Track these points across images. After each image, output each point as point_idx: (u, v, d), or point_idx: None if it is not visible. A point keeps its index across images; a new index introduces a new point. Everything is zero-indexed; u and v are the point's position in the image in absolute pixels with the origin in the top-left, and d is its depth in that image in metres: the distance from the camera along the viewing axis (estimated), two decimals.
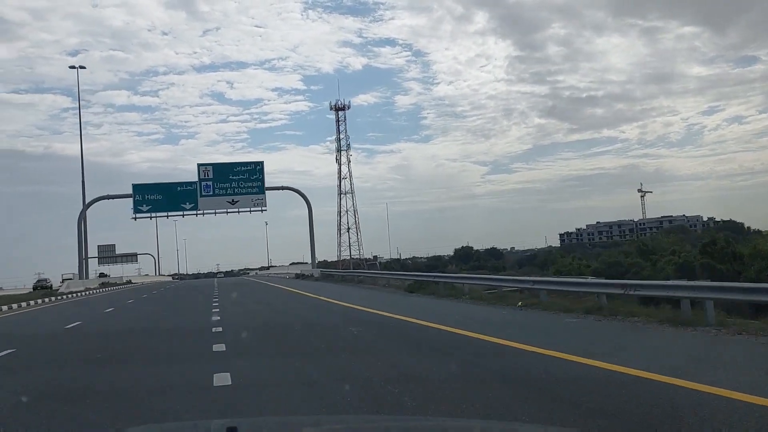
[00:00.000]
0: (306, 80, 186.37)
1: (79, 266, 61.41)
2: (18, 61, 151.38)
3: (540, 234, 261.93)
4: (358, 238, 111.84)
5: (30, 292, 55.41)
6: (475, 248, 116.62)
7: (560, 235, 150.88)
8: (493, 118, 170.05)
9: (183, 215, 61.98)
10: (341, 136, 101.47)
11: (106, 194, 63.11)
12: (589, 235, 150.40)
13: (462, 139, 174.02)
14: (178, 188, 61.14)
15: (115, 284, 71.61)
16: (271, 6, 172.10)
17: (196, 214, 61.75)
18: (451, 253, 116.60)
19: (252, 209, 61.79)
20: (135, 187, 60.82)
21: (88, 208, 62.02)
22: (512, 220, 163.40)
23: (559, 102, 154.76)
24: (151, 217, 61.76)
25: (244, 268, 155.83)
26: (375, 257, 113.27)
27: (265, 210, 62.34)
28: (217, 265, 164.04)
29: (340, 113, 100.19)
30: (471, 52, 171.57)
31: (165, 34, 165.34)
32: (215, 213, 61.89)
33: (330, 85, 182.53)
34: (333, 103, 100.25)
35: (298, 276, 60.34)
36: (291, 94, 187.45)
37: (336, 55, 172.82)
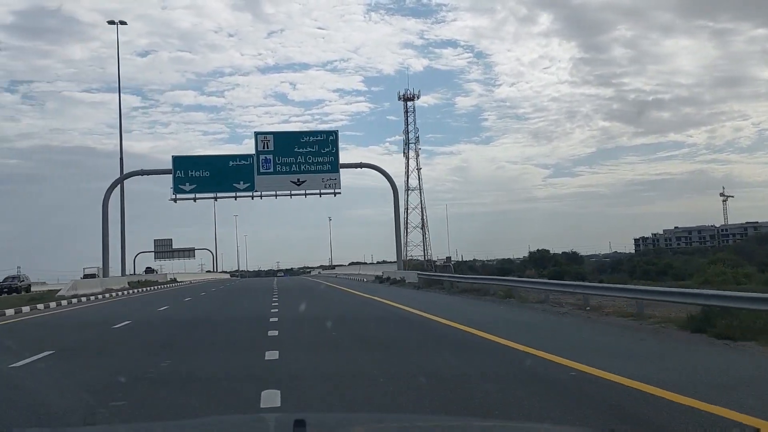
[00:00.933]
0: (367, 81, 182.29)
1: (103, 259, 48.43)
2: (90, 61, 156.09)
3: (603, 239, 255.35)
4: (425, 238, 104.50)
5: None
6: (551, 251, 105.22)
7: (635, 240, 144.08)
8: (555, 120, 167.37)
9: (236, 197, 48.56)
10: (409, 128, 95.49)
11: (140, 169, 50.27)
12: (666, 240, 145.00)
13: (523, 141, 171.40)
14: (230, 162, 47.69)
15: (155, 283, 57.94)
16: (334, 8, 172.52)
17: (252, 196, 48.25)
18: (520, 257, 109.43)
19: (322, 191, 47.87)
20: (175, 160, 47.63)
21: (115, 187, 49.20)
22: (574, 224, 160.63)
23: (625, 105, 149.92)
24: (195, 199, 48.36)
25: (304, 267, 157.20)
26: (449, 258, 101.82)
27: (339, 193, 48.47)
28: (278, 262, 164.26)
29: (409, 104, 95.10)
30: (534, 53, 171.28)
31: (231, 35, 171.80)
32: (276, 195, 48.25)
33: (390, 87, 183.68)
34: (402, 93, 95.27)
35: (380, 280, 46.18)
36: (352, 95, 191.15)
37: (397, 57, 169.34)
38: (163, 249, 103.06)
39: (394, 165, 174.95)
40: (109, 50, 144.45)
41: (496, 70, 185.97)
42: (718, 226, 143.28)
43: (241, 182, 47.35)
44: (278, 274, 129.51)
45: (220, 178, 47.10)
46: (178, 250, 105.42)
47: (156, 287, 54.16)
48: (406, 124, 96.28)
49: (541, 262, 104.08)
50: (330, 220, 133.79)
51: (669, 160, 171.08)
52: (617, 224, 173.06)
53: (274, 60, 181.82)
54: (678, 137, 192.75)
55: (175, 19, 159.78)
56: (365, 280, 51.17)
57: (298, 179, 47.70)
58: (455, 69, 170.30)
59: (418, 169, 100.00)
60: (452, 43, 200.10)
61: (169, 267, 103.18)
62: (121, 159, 52.91)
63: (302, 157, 47.65)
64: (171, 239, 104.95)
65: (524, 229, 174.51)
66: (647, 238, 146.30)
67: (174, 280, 68.64)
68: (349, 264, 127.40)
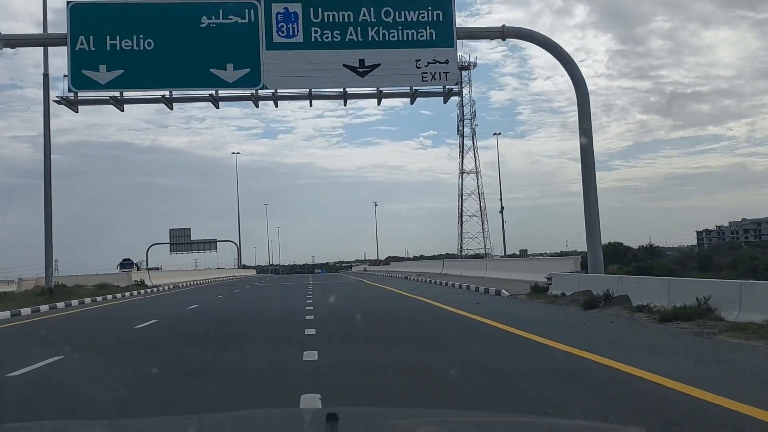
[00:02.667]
0: None
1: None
2: None
3: (641, 233, 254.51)
4: (484, 228, 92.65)
5: None
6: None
7: (698, 233, 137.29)
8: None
9: (216, 100, 21.07)
10: (464, 101, 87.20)
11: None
12: (733, 233, 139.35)
13: (558, 135, 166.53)
14: (203, 20, 20.21)
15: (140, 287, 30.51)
16: None
17: (255, 97, 20.76)
18: (557, 251, 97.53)
19: (420, 87, 20.28)
20: (74, 9, 20.16)
21: None
22: (611, 218, 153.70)
23: (662, 98, 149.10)
24: (120, 99, 20.94)
25: (340, 261, 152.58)
26: (524, 252, 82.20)
27: (455, 92, 20.80)
28: (312, 257, 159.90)
29: (464, 73, 79.59)
30: (570, 46, 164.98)
31: None
32: (309, 97, 20.86)
33: None
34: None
35: (538, 291, 18.81)
36: None
37: None
38: (180, 241, 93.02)
39: (427, 161, 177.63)
40: None
41: (531, 63, 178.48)
42: None
43: (230, 65, 19.92)
44: (315, 271, 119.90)
45: (180, 55, 19.82)
46: (198, 242, 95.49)
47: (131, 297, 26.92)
48: (461, 96, 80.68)
49: (615, 255, 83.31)
50: (376, 205, 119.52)
51: (708, 153, 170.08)
52: (656, 218, 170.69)
53: None
54: (717, 130, 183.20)
55: None
56: (503, 293, 22.51)
57: (362, 60, 20.09)
58: (490, 62, 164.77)
59: (475, 149, 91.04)
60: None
61: (184, 262, 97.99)
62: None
63: (370, 13, 20.18)
64: (189, 229, 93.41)
65: (560, 224, 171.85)
66: (711, 230, 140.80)
67: (140, 284, 41.12)
68: (387, 258, 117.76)
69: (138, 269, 61.30)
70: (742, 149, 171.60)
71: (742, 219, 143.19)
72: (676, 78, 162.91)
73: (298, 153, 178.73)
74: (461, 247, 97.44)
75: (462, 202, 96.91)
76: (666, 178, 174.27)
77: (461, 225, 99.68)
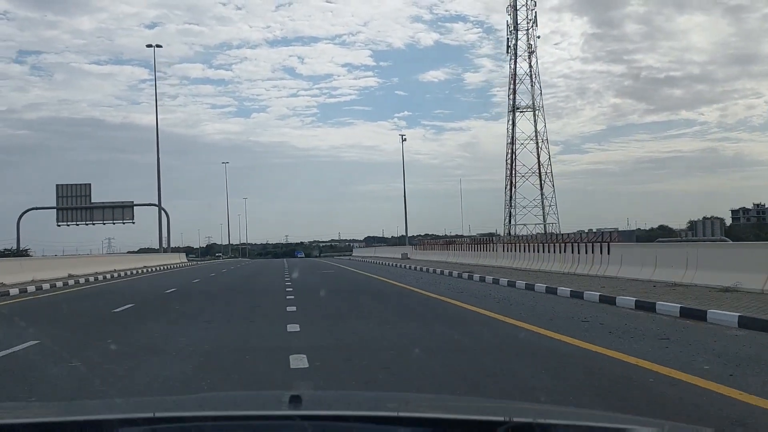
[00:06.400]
0: (376, 56, 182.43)
1: None
2: (99, 33, 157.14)
3: (619, 216, 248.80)
4: (543, 197, 71.97)
5: None
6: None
7: (733, 211, 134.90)
8: (566, 96, 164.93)
9: None
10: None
11: None
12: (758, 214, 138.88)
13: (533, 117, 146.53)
14: None
15: None
16: None
17: None
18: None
19: None
20: None
21: None
22: (584, 201, 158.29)
23: (636, 82, 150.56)
24: None
25: (314, 241, 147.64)
26: (615, 232, 60.39)
27: None
28: (286, 236, 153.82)
29: None
30: (546, 28, 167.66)
31: (239, 8, 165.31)
32: None
33: (399, 62, 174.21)
34: None
35: None
36: (360, 69, 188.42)
37: (407, 30, 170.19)
38: (73, 205, 61.96)
39: (407, 143, 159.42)
40: (116, 22, 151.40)
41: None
42: None
43: None
44: (298, 254, 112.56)
45: None
46: (102, 206, 63.12)
47: None
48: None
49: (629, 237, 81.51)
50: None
51: (680, 138, 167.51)
52: (629, 201, 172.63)
53: (282, 33, 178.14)
54: (690, 115, 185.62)
55: None
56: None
57: None
58: (465, 44, 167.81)
59: (536, 76, 71.08)
60: (462, 18, 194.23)
61: (85, 238, 69.54)
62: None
63: None
64: (89, 184, 62.74)
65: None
66: (748, 209, 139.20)
67: None
68: (366, 238, 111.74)
69: None
70: (714, 134, 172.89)
71: None
72: (650, 62, 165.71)
73: (272, 132, 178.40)
74: (509, 221, 72.68)
75: (514, 152, 70.94)
76: (638, 161, 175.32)
77: (513, 188, 72.68)
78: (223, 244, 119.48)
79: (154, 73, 52.86)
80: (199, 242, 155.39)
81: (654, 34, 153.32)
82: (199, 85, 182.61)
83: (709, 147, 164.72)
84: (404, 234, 70.64)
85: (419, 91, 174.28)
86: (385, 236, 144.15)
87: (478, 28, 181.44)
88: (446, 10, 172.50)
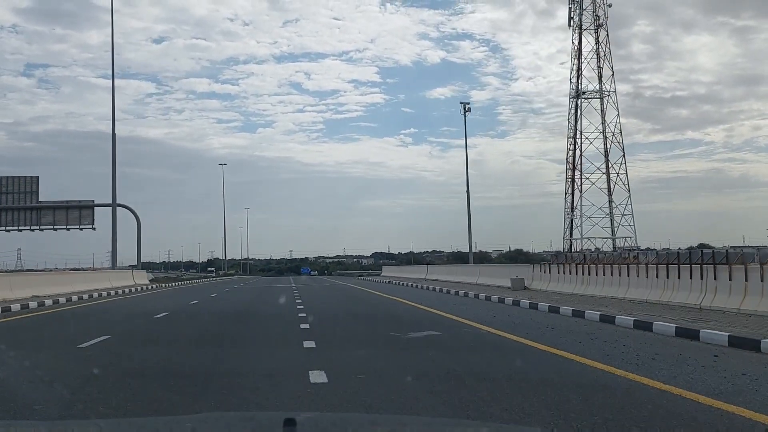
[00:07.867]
0: (382, 73, 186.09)
1: None
2: (106, 47, 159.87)
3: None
4: (612, 204, 63.91)
5: None
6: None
7: None
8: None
9: None
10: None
11: None
12: None
13: (538, 136, 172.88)
14: None
15: None
16: None
17: None
18: (540, 251, 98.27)
19: None
20: None
21: None
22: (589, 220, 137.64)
23: (642, 101, 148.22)
24: None
25: (319, 257, 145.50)
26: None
27: None
28: (290, 251, 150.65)
29: None
30: (552, 47, 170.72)
31: (246, 24, 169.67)
32: None
33: (405, 78, 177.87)
34: None
35: None
36: (367, 86, 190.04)
37: (414, 48, 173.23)
38: (15, 205, 51.53)
39: (407, 158, 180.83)
40: (124, 36, 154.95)
41: (513, 63, 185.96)
42: None
43: None
44: (310, 273, 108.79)
45: None
46: (51, 206, 51.81)
47: None
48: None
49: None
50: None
51: (685, 158, 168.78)
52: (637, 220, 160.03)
53: (289, 49, 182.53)
54: (695, 135, 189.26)
55: (191, 6, 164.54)
56: None
57: None
58: (472, 62, 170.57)
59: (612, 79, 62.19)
60: (469, 36, 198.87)
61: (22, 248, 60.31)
62: None
63: None
64: (36, 177, 52.30)
65: (538, 224, 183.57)
66: None
67: None
68: (373, 254, 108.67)
69: None
70: (720, 154, 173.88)
71: None
72: (656, 82, 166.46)
73: (278, 147, 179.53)
74: (570, 236, 61.49)
75: (578, 149, 60.90)
76: (644, 181, 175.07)
77: (573, 195, 61.54)
78: (223, 259, 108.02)
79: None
80: (200, 257, 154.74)
81: (661, 54, 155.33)
82: (206, 99, 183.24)
83: (714, 168, 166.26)
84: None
85: (426, 107, 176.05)
86: (392, 251, 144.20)
87: (484, 46, 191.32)
88: (453, 28, 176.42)
